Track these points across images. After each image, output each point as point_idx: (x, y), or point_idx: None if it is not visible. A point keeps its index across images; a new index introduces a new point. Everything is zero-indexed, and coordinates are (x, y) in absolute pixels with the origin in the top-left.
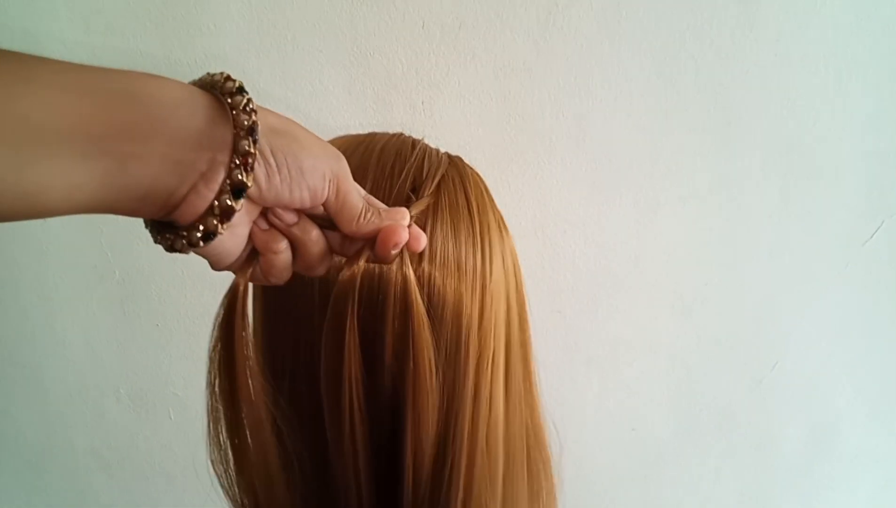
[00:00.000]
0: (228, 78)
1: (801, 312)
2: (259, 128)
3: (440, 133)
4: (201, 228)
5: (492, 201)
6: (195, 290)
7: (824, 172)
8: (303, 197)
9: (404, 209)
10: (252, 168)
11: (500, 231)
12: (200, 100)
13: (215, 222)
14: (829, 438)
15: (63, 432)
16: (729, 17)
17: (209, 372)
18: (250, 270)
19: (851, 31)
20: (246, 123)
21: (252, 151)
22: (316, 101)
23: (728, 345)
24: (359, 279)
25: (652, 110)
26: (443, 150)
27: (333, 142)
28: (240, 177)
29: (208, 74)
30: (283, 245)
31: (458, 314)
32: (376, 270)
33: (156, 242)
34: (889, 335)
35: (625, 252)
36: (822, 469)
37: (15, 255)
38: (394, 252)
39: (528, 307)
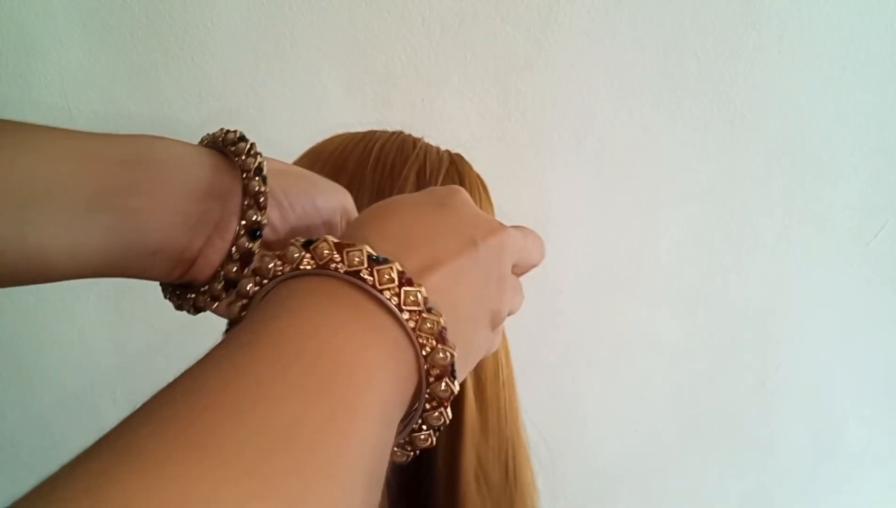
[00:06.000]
0: (228, 131)
1: (804, 312)
2: (266, 167)
3: (440, 132)
4: (221, 277)
5: (490, 202)
6: None
7: (828, 170)
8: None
9: None
10: (265, 206)
11: None
12: (204, 153)
13: (234, 268)
14: (833, 439)
15: (59, 434)
16: (732, 13)
17: None
18: None
19: (855, 28)
20: (252, 165)
21: (262, 189)
22: (314, 99)
23: (731, 346)
24: None
25: (654, 108)
26: (442, 148)
27: (332, 140)
28: (255, 217)
29: (207, 134)
30: None
31: None
32: None
33: (177, 308)
34: (894, 335)
35: (627, 252)
36: (826, 471)
37: None
38: None
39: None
